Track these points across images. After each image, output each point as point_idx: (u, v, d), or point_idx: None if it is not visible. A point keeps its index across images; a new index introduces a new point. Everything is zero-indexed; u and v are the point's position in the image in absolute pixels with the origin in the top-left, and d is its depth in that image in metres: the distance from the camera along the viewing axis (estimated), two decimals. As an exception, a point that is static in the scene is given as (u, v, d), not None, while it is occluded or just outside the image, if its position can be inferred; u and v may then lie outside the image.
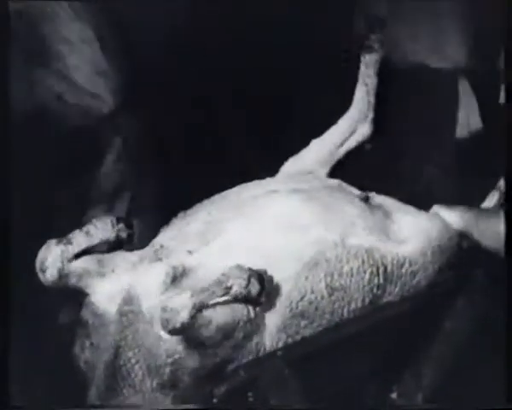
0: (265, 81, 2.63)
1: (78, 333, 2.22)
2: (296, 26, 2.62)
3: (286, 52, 2.62)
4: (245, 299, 2.09)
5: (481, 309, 2.32)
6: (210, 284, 2.06)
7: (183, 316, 2.03)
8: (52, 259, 2.18)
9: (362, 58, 2.63)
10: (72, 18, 2.59)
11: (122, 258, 2.23)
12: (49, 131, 2.55)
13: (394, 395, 2.19)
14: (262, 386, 2.09)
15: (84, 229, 2.23)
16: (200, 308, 2.05)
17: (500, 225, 2.32)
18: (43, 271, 2.18)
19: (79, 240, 2.21)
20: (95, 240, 2.22)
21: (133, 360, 2.13)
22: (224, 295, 2.06)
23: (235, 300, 2.08)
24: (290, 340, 2.20)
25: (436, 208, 2.44)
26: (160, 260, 2.20)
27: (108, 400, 2.15)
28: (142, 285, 2.17)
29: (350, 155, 2.59)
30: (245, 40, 2.62)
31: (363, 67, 2.63)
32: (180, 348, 2.11)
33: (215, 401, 2.08)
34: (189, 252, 2.20)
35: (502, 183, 2.53)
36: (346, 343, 2.19)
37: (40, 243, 2.22)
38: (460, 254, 2.39)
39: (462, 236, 2.41)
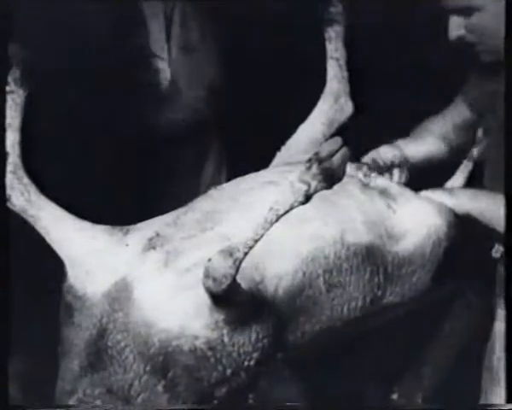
0: (264, 79, 2.63)
1: (62, 312, 2.17)
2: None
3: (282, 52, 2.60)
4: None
5: (480, 310, 2.32)
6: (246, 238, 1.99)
7: (226, 283, 1.97)
8: None
9: (325, 33, 2.54)
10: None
11: (113, 239, 2.21)
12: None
13: (395, 396, 2.20)
14: (262, 388, 2.10)
15: None
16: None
17: (501, 205, 2.24)
18: None
19: None
20: None
21: (122, 344, 2.07)
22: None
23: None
24: (291, 337, 2.17)
25: (438, 193, 2.36)
26: (154, 248, 2.17)
27: (92, 374, 2.11)
28: (135, 273, 2.12)
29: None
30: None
31: (327, 43, 2.53)
32: (175, 342, 2.06)
33: (215, 402, 2.09)
34: (183, 238, 2.17)
35: (474, 152, 2.44)
36: (347, 345, 2.19)
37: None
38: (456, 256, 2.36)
39: (466, 219, 2.33)
